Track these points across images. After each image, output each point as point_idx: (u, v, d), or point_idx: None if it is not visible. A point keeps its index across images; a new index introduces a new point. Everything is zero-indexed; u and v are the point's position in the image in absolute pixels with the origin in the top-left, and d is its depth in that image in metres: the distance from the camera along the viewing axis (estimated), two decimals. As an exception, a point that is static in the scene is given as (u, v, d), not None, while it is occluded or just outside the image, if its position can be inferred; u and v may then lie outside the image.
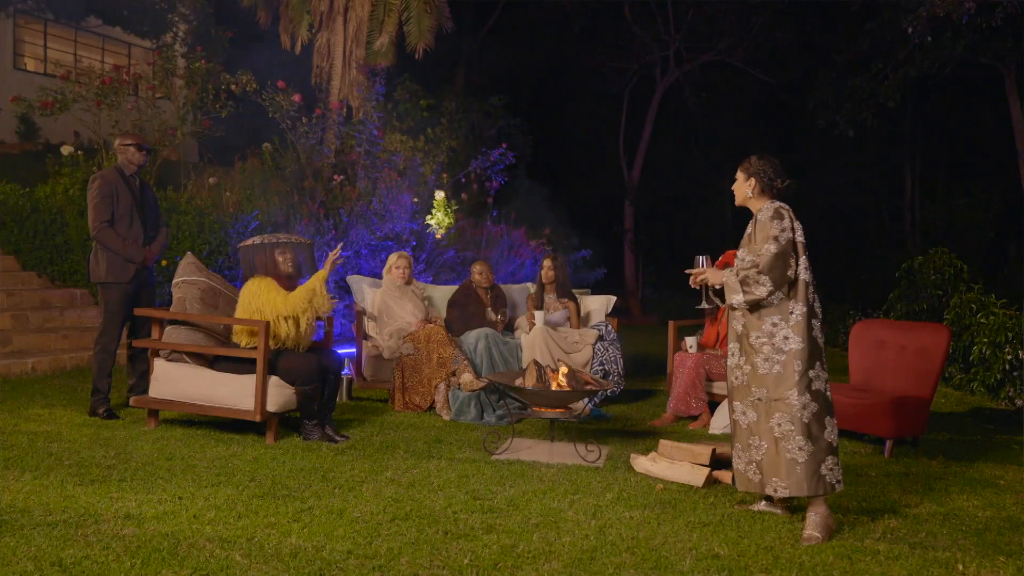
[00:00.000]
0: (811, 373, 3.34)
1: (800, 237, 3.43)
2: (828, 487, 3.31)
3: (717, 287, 3.56)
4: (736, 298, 3.40)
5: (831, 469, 3.32)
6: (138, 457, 4.09)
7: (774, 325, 3.37)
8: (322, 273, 4.75)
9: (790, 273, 3.35)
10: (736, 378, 3.49)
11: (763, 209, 3.48)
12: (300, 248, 5.09)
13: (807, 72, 15.18)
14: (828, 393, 3.39)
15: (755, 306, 3.40)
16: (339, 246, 5.10)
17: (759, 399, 3.39)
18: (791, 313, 3.36)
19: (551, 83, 18.73)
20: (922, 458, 4.70)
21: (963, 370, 7.07)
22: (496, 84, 15.06)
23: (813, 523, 3.30)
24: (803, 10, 15.39)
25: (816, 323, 3.40)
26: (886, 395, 4.91)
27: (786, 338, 3.35)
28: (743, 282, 3.38)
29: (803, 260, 3.40)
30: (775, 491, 3.34)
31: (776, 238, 3.35)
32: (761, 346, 3.39)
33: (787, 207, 3.48)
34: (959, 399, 6.79)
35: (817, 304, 3.44)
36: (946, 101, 16.21)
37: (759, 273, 3.34)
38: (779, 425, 3.33)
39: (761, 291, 3.33)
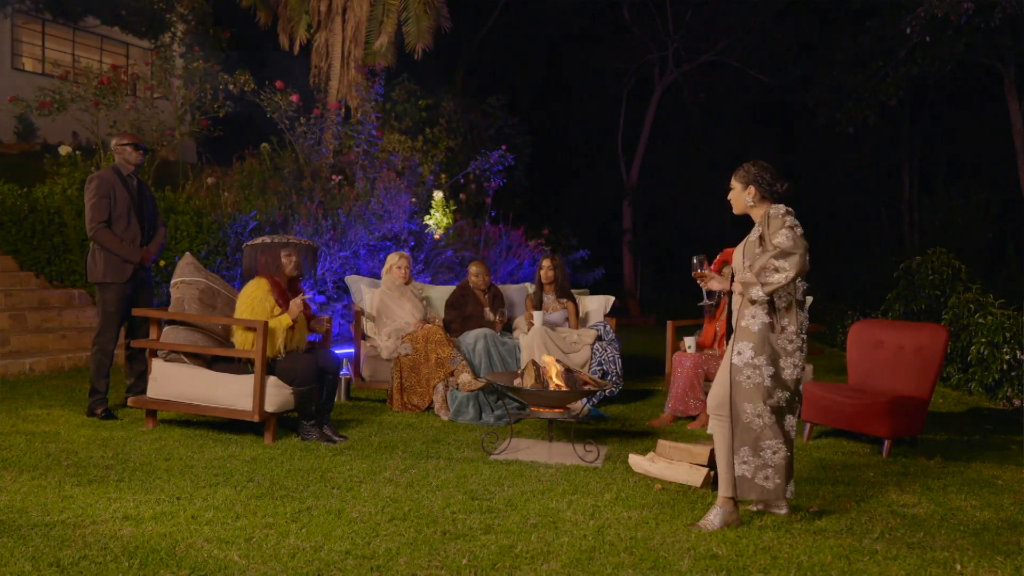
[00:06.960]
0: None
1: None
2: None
3: (727, 291, 3.47)
4: (754, 291, 3.27)
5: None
6: (136, 457, 4.08)
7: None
8: (285, 319, 4.63)
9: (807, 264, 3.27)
10: (748, 377, 3.30)
11: (773, 207, 3.39)
12: (305, 251, 5.11)
13: (806, 72, 15.19)
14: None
15: (771, 306, 3.30)
16: (304, 295, 4.86)
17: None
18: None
19: (551, 83, 18.75)
20: (920, 458, 4.71)
21: (961, 370, 7.08)
22: (495, 84, 15.06)
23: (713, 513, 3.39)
24: (802, 10, 15.39)
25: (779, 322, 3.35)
26: (884, 395, 4.91)
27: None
28: (759, 273, 3.28)
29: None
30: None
31: (792, 227, 3.28)
32: (789, 346, 3.35)
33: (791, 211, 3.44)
34: (957, 399, 6.79)
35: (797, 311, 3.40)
36: (945, 100, 16.23)
37: (775, 259, 3.24)
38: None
39: (778, 277, 3.22)
